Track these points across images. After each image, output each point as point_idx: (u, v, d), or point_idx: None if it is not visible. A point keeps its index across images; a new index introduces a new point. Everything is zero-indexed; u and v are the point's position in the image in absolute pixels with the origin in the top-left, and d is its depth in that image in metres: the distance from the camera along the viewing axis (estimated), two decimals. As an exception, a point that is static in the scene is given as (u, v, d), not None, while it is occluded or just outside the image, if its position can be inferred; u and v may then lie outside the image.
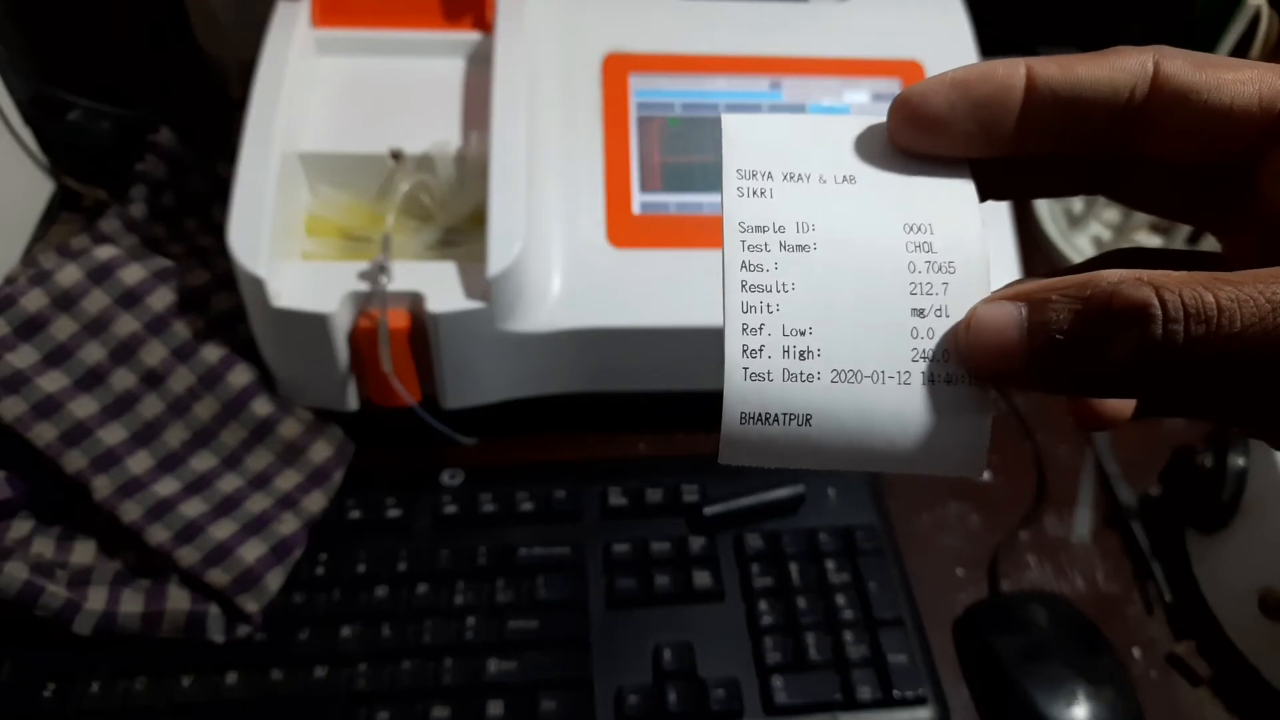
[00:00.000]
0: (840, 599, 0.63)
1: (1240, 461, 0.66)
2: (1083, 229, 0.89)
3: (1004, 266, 0.69)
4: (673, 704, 0.59)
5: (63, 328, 0.63)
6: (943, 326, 0.26)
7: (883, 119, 0.29)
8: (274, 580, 0.61)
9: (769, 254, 0.27)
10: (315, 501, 0.65)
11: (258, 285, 0.59)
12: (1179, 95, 0.26)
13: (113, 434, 0.62)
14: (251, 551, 0.61)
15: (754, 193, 0.28)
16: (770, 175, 0.28)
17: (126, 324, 0.63)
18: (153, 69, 0.86)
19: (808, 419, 0.26)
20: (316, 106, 0.68)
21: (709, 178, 0.69)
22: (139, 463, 0.62)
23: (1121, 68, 0.26)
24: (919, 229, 0.27)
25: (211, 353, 0.65)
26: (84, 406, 0.62)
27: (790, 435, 0.26)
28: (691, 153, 0.70)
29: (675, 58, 0.72)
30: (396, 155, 0.66)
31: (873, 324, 0.26)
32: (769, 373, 0.26)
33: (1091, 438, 0.77)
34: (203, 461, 0.64)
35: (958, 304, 0.26)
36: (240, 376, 0.65)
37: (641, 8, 0.74)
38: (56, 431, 0.61)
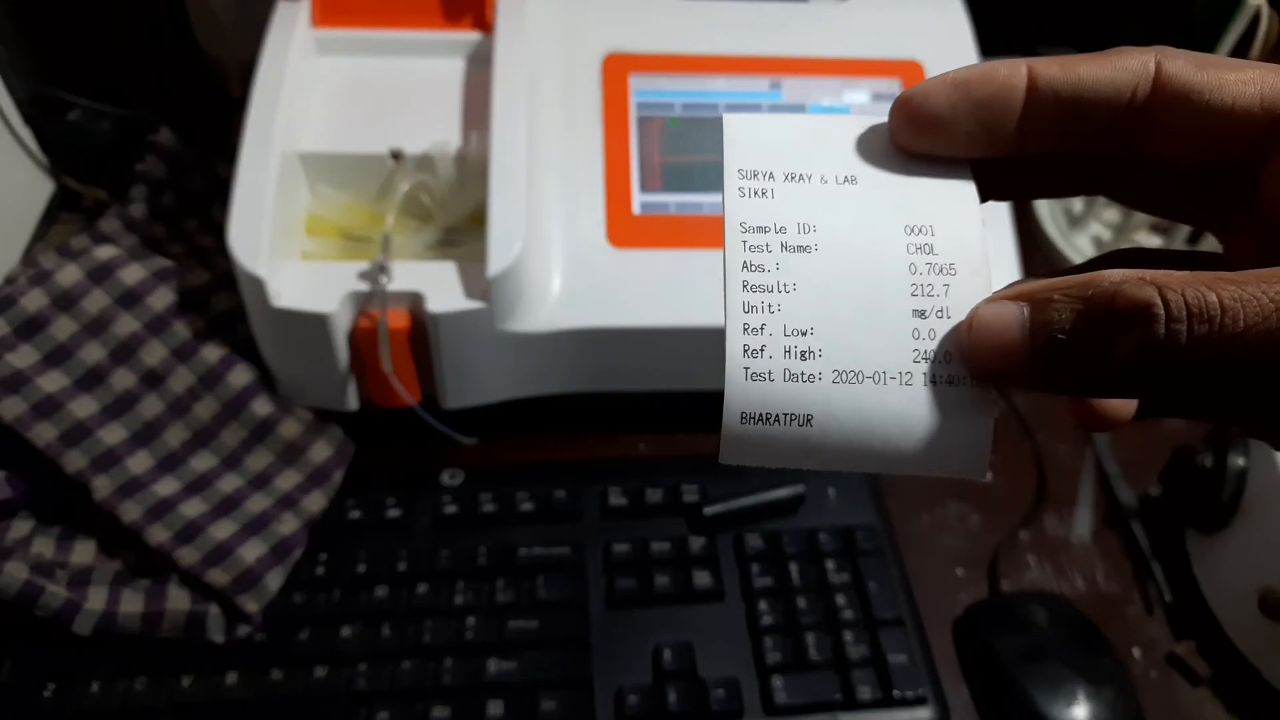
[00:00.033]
0: (840, 599, 0.63)
1: (1240, 461, 0.66)
2: (1083, 229, 0.89)
3: (1004, 267, 0.69)
4: (673, 704, 0.59)
5: (63, 328, 0.63)
6: (944, 327, 0.26)
7: (884, 119, 0.29)
8: (274, 580, 0.61)
9: (770, 254, 0.27)
10: (315, 501, 0.65)
11: (258, 285, 0.59)
12: (1181, 95, 0.26)
13: (113, 434, 0.62)
14: (251, 551, 0.61)
15: (755, 193, 0.28)
16: (772, 175, 0.28)
17: (126, 324, 0.63)
18: (153, 69, 0.86)
19: (808, 419, 0.26)
20: (316, 106, 0.68)
21: (709, 178, 0.69)
22: (139, 463, 0.62)
23: (1123, 68, 0.26)
24: (920, 230, 0.27)
25: (211, 353, 0.65)
26: (84, 406, 0.62)
27: (791, 435, 0.26)
28: (691, 153, 0.70)
29: (675, 58, 0.72)
30: (396, 155, 0.66)
31: (874, 325, 0.26)
32: (770, 373, 0.26)
33: (1091, 438, 0.77)
34: (203, 461, 0.64)
35: (959, 305, 0.26)
36: (240, 376, 0.65)
37: (641, 8, 0.74)
38: (56, 431, 0.61)
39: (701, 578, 0.64)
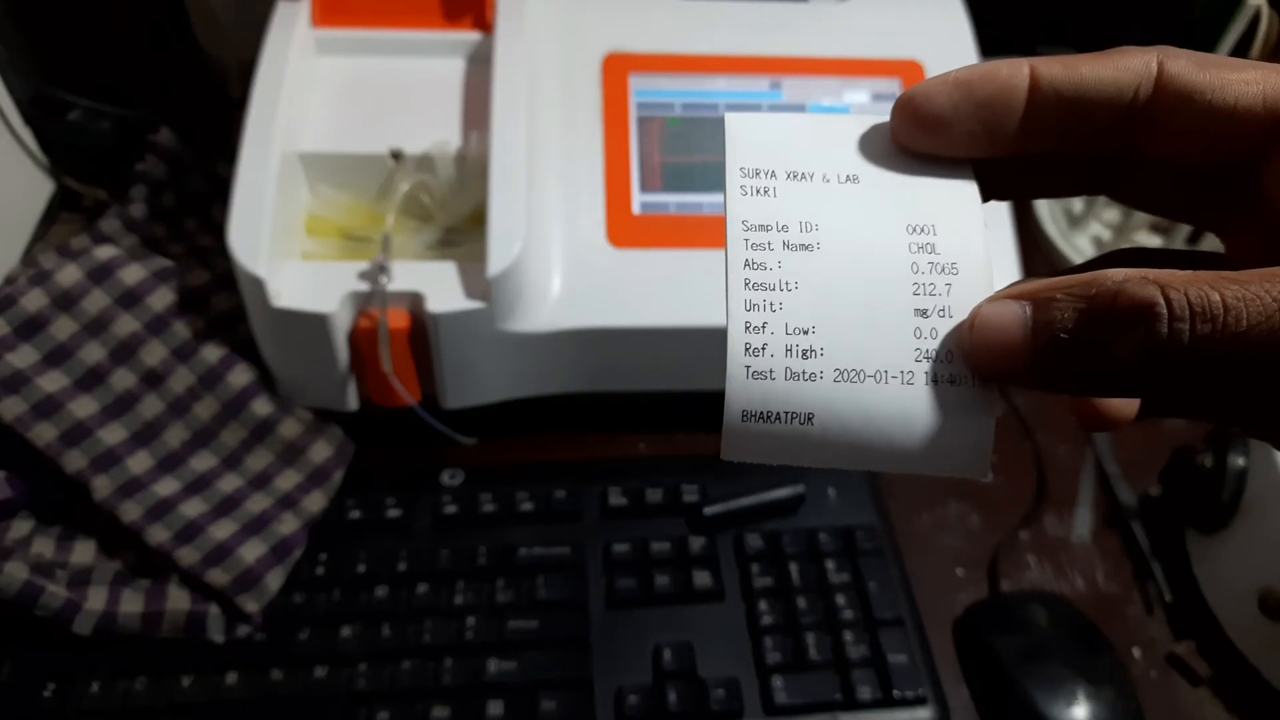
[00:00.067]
0: (840, 599, 0.63)
1: (1240, 461, 0.67)
2: (1083, 229, 0.89)
3: (1004, 267, 0.69)
4: (673, 704, 0.59)
5: (63, 328, 0.63)
6: (946, 327, 0.26)
7: (886, 118, 0.29)
8: (274, 580, 0.61)
9: (772, 253, 0.27)
10: (315, 501, 0.65)
11: (258, 285, 0.59)
12: (1183, 95, 0.26)
13: (113, 434, 0.62)
14: (251, 551, 0.61)
15: (758, 191, 0.28)
16: (774, 174, 0.28)
17: (126, 324, 0.63)
18: (153, 69, 0.86)
19: (810, 418, 0.26)
20: (316, 106, 0.68)
21: (709, 178, 0.69)
22: (139, 463, 0.62)
23: (1125, 68, 0.26)
24: (922, 229, 0.27)
25: (211, 353, 0.65)
26: (84, 406, 0.62)
27: (792, 434, 0.26)
28: (691, 153, 0.70)
29: (675, 58, 0.72)
30: (396, 155, 0.66)
31: (876, 324, 0.26)
32: (771, 371, 0.26)
33: (1092, 438, 0.77)
34: (203, 461, 0.64)
35: (961, 304, 0.26)
36: (240, 376, 0.65)
37: (641, 8, 0.74)
38: (56, 431, 0.60)
39: (701, 578, 0.64)
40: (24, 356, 0.61)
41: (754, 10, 0.75)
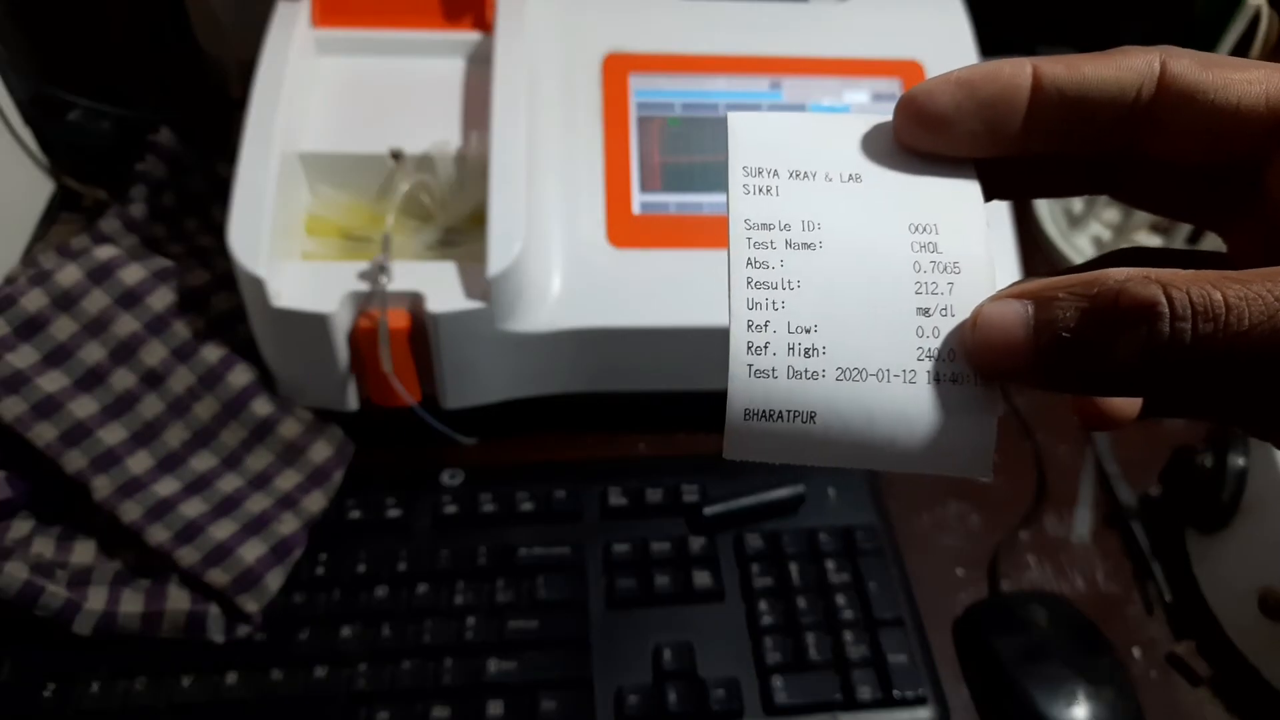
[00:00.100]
0: (840, 599, 0.63)
1: (1240, 461, 0.67)
2: (1083, 229, 0.89)
3: (1004, 266, 0.69)
4: (673, 704, 0.59)
5: (63, 328, 0.63)
6: (948, 325, 0.26)
7: (888, 118, 0.29)
8: (274, 580, 0.61)
9: (775, 251, 0.27)
10: (315, 501, 0.65)
11: (258, 285, 0.59)
12: (1186, 95, 0.26)
13: (113, 434, 0.62)
14: (251, 551, 0.61)
15: (760, 190, 0.28)
16: (776, 173, 0.28)
17: (126, 324, 0.63)
18: (153, 69, 0.86)
19: (812, 416, 0.26)
20: (316, 106, 0.68)
21: (709, 178, 0.69)
22: (139, 463, 0.62)
23: (1128, 67, 0.26)
24: (924, 229, 0.27)
25: (211, 353, 0.65)
26: (84, 406, 0.62)
27: (794, 432, 0.26)
28: (691, 153, 0.70)
29: (675, 58, 0.72)
30: (396, 155, 0.66)
31: (878, 323, 0.26)
32: (774, 370, 0.26)
33: (1092, 438, 0.77)
34: (203, 461, 0.64)
35: (963, 303, 0.26)
36: (240, 376, 0.65)
37: (641, 8, 0.74)
38: (56, 431, 0.60)
39: (701, 578, 0.64)
40: (24, 356, 0.61)
41: (754, 10, 0.75)
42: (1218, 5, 0.76)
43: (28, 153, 0.79)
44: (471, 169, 0.66)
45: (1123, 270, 0.23)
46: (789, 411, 0.26)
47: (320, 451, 0.66)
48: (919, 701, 0.60)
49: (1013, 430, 0.76)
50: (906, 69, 0.73)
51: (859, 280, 0.27)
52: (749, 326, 0.26)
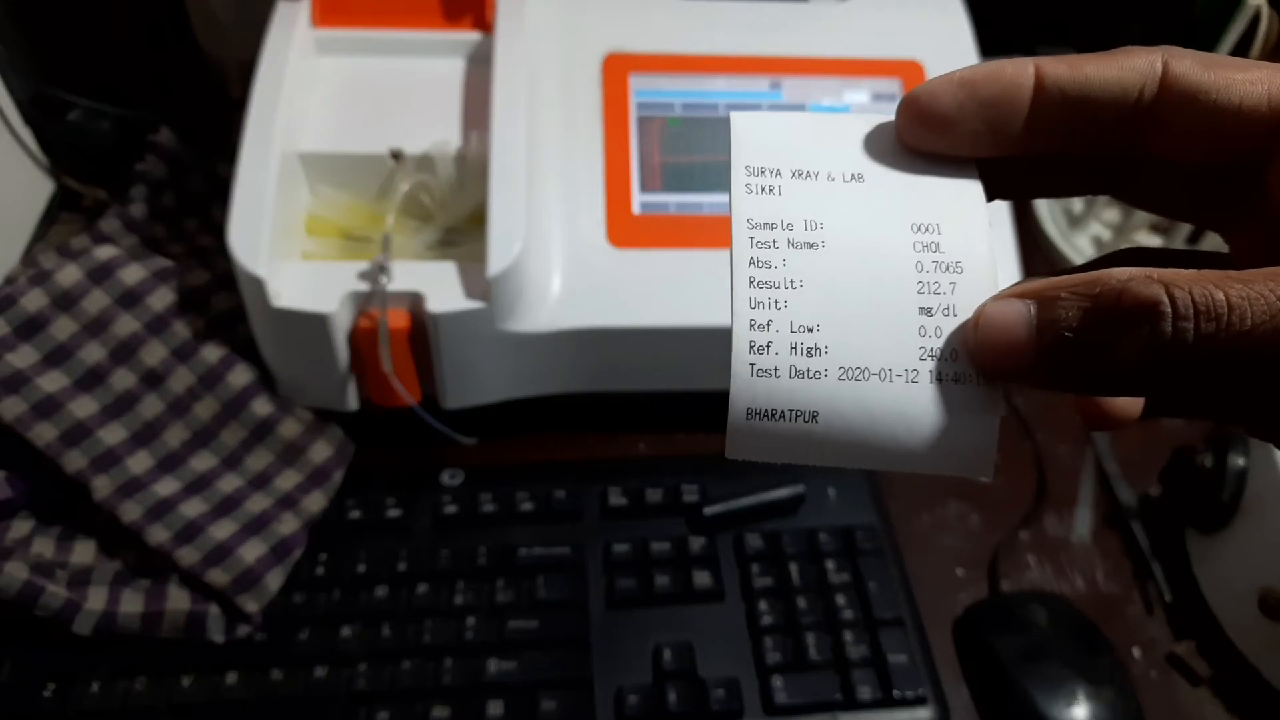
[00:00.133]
0: (840, 599, 0.63)
1: (1240, 461, 0.67)
2: (1083, 229, 0.89)
3: (1004, 266, 0.69)
4: (673, 704, 0.59)
5: (63, 328, 0.62)
6: (950, 325, 0.26)
7: (891, 118, 0.29)
8: (274, 580, 0.61)
9: (777, 251, 0.27)
10: (315, 501, 0.65)
11: (258, 285, 0.59)
12: (1188, 95, 0.26)
13: (113, 434, 0.62)
14: (251, 551, 0.61)
15: (763, 190, 0.28)
16: (779, 173, 0.28)
17: (126, 324, 0.63)
18: (153, 69, 0.86)
19: (814, 416, 0.26)
20: (316, 106, 0.68)
21: (709, 178, 0.69)
22: (139, 463, 0.62)
23: (1130, 67, 0.26)
24: (927, 228, 0.27)
25: (211, 353, 0.65)
26: (84, 406, 0.62)
27: (796, 432, 0.26)
28: (691, 153, 0.70)
29: (675, 58, 0.72)
30: (396, 155, 0.66)
31: (880, 322, 0.26)
32: (776, 369, 0.26)
33: (1092, 438, 0.77)
34: (203, 461, 0.64)
35: (965, 303, 0.26)
36: (240, 376, 0.65)
37: (641, 8, 0.74)
38: (56, 431, 0.60)
39: (701, 578, 0.64)
40: (24, 356, 0.61)
41: (754, 10, 0.75)
42: (1218, 5, 0.76)
43: (28, 153, 0.79)
44: (471, 169, 0.66)
45: (1125, 270, 0.23)
46: (791, 411, 0.26)
47: (320, 451, 0.66)
48: (919, 701, 0.60)
49: (1013, 430, 0.76)
50: (906, 69, 0.73)
51: (861, 280, 0.27)
52: (751, 326, 0.26)
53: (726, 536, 0.66)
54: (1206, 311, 0.22)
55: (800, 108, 0.72)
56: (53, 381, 0.61)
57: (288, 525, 0.63)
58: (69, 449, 0.60)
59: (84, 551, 0.61)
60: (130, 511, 0.60)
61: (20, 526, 0.60)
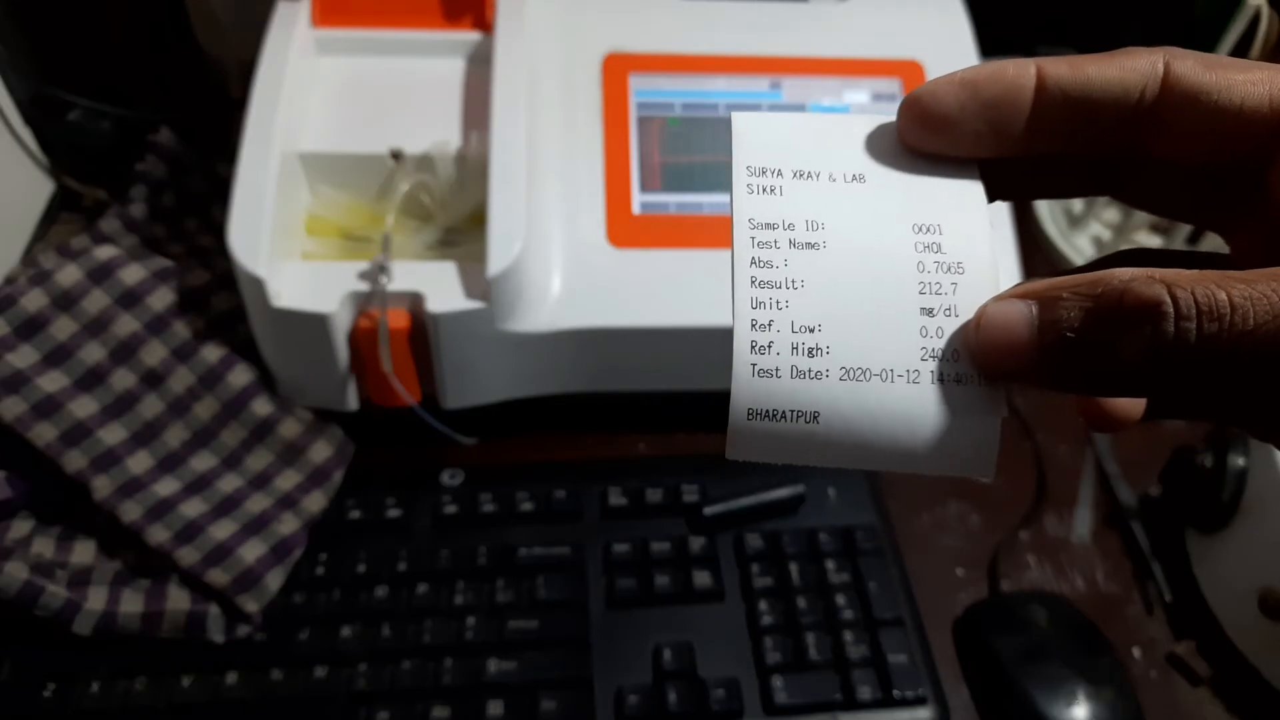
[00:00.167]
0: (840, 599, 0.63)
1: (1240, 461, 0.67)
2: (1083, 229, 0.90)
3: (1004, 267, 0.69)
4: (673, 704, 0.59)
5: (63, 328, 0.62)
6: (952, 326, 0.26)
7: (892, 118, 0.29)
8: (274, 580, 0.61)
9: (779, 251, 0.27)
10: (315, 501, 0.65)
11: (258, 285, 0.59)
12: (1189, 96, 0.26)
13: (113, 434, 0.62)
14: (251, 551, 0.61)
15: (764, 190, 0.28)
16: (780, 173, 0.28)
17: (126, 324, 0.63)
18: (153, 69, 0.86)
19: (815, 416, 0.26)
20: (316, 106, 0.68)
21: (709, 178, 0.69)
22: (139, 463, 0.62)
23: (1132, 68, 0.26)
24: (928, 229, 0.27)
25: (211, 353, 0.65)
26: (84, 406, 0.62)
27: (797, 432, 0.26)
28: (691, 153, 0.70)
29: (675, 58, 0.72)
30: (396, 155, 0.66)
31: (882, 323, 0.26)
32: (777, 369, 0.26)
33: (1092, 438, 0.77)
34: (203, 461, 0.64)
35: (967, 304, 0.26)
36: (240, 376, 0.65)
37: (641, 8, 0.74)
38: (56, 431, 0.60)
39: (701, 578, 0.64)
40: (24, 356, 0.61)
41: (754, 10, 0.75)
42: (1218, 5, 0.76)
43: (28, 153, 0.79)
44: (471, 169, 0.66)
45: (1127, 270, 0.23)
46: (792, 411, 0.26)
47: (320, 451, 0.66)
48: (919, 701, 0.60)
49: (1013, 430, 0.76)
50: (906, 69, 0.73)
51: (863, 280, 0.27)
52: (753, 326, 0.26)
53: (726, 536, 0.66)
54: (1209, 312, 0.22)
55: (800, 108, 0.72)
56: (53, 381, 0.61)
57: (288, 525, 0.63)
58: (69, 449, 0.60)
59: (84, 551, 0.61)
60: (130, 511, 0.60)
61: (20, 526, 0.60)
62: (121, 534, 0.61)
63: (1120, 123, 0.27)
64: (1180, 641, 0.67)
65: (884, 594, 0.63)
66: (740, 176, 0.28)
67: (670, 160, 0.70)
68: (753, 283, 0.27)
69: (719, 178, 0.69)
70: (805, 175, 0.28)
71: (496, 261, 0.60)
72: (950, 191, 0.28)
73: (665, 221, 0.68)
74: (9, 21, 0.78)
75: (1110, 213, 0.90)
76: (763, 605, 0.63)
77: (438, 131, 0.67)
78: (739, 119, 0.29)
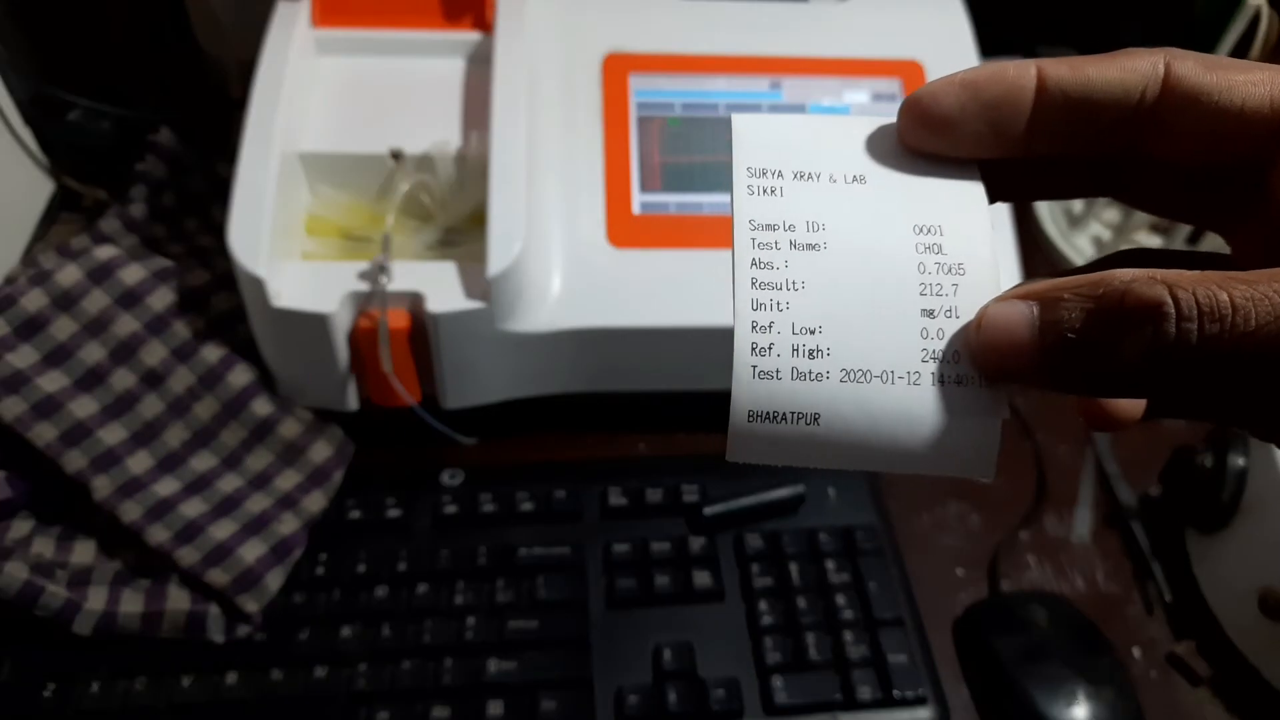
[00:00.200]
0: (840, 599, 0.63)
1: (1240, 461, 0.67)
2: (1083, 229, 0.90)
3: (1004, 268, 0.69)
4: (673, 704, 0.59)
5: (63, 328, 0.62)
6: (953, 327, 0.26)
7: (892, 119, 0.29)
8: (274, 580, 0.61)
9: (779, 252, 0.27)
10: (315, 501, 0.65)
11: (258, 285, 0.59)
12: (1190, 97, 0.26)
13: (113, 434, 0.62)
14: (251, 551, 0.61)
15: (764, 191, 0.28)
16: (780, 174, 0.28)
17: (126, 324, 0.63)
18: (153, 69, 0.86)
19: (816, 418, 0.26)
20: (316, 106, 0.68)
21: (709, 178, 0.69)
22: (139, 463, 0.62)
23: (1132, 69, 0.26)
24: (929, 230, 0.27)
25: (211, 353, 0.65)
26: (84, 406, 0.62)
27: (798, 434, 0.26)
28: (691, 153, 0.70)
29: (675, 58, 0.72)
30: (396, 155, 0.66)
31: (882, 324, 0.26)
32: (778, 371, 0.26)
33: (1092, 438, 0.77)
34: (203, 461, 0.64)
35: (968, 305, 0.26)
36: (240, 376, 0.65)
37: (641, 8, 0.74)
38: (56, 431, 0.60)
39: (701, 578, 0.64)
40: (24, 356, 0.61)
41: (754, 10, 0.75)
42: (1218, 5, 0.76)
43: (28, 153, 0.79)
44: (471, 169, 0.66)
45: (1128, 271, 0.23)
46: (793, 413, 0.26)
47: (320, 451, 0.66)
48: (919, 701, 0.60)
49: (1013, 430, 0.76)
50: (906, 69, 0.73)
51: (863, 281, 0.27)
52: (753, 327, 0.26)
53: (726, 536, 0.66)
54: (1210, 312, 0.22)
55: (800, 108, 0.72)
56: (53, 381, 0.61)
57: (288, 525, 0.63)
58: (69, 449, 0.60)
59: (84, 551, 0.61)
60: (130, 511, 0.60)
61: (20, 526, 0.60)
62: (121, 534, 0.61)
63: (1121, 123, 0.27)
64: (1180, 641, 0.67)
65: (884, 594, 0.63)
66: (741, 178, 0.28)
67: (670, 160, 0.70)
68: (753, 284, 0.27)
69: (719, 178, 0.69)
70: (806, 176, 0.28)
71: (496, 261, 0.60)
72: (951, 192, 0.28)
73: (665, 221, 0.68)
74: (9, 21, 0.78)
75: (1110, 213, 0.90)
76: (763, 605, 0.63)
77: (438, 131, 0.67)
78: (739, 120, 0.29)
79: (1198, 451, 0.70)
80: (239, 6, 0.77)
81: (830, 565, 0.64)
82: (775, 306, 0.26)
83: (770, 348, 0.26)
